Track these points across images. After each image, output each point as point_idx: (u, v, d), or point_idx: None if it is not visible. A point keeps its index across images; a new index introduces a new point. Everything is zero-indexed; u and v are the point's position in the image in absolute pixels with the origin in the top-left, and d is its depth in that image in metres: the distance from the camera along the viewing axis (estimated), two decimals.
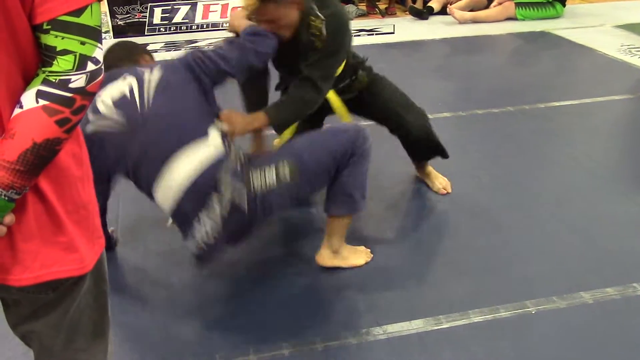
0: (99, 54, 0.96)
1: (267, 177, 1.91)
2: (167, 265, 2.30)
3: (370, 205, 2.65)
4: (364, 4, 6.36)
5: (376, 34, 5.52)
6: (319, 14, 2.25)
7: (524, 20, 5.77)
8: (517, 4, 5.82)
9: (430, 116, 3.57)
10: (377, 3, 6.25)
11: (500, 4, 5.90)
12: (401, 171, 2.94)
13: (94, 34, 0.95)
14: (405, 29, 5.68)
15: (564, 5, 5.91)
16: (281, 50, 2.25)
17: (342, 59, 2.36)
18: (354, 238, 2.40)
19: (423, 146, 2.73)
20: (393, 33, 5.53)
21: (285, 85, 2.56)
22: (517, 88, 4.10)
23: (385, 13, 6.21)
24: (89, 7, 0.94)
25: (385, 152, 2.95)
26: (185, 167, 1.87)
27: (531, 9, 5.82)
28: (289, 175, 1.92)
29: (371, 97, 2.63)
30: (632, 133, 3.48)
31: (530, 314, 1.96)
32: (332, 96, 2.52)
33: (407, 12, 6.13)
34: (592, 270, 2.18)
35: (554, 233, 2.44)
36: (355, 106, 2.65)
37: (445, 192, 2.75)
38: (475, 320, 1.94)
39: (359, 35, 5.46)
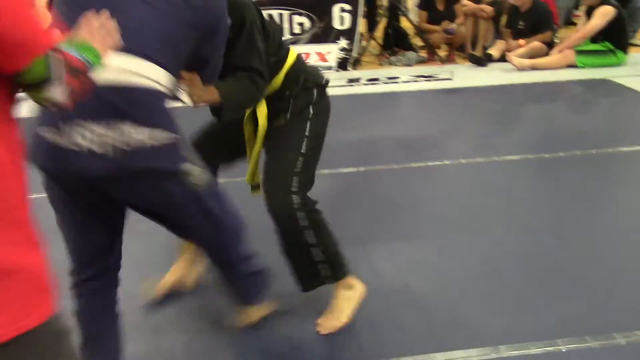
0: None
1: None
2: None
3: (413, 236, 2.78)
4: (425, 51, 6.53)
5: (434, 80, 5.65)
6: None
7: (584, 67, 5.78)
8: (578, 52, 5.84)
9: (480, 159, 3.72)
10: (436, 50, 6.40)
11: (560, 52, 5.95)
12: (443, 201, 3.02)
13: None
14: (463, 75, 5.79)
15: (626, 53, 5.89)
16: None
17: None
18: (387, 271, 2.50)
19: (283, 238, 2.12)
20: (451, 79, 5.65)
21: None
22: (571, 134, 4.13)
23: (445, 60, 6.35)
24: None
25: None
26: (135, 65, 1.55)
27: (592, 56, 5.83)
28: (201, 181, 1.68)
29: (271, 140, 2.20)
30: None
31: (561, 352, 2.00)
32: (262, 112, 2.18)
33: (467, 59, 6.25)
34: (629, 312, 2.20)
35: (595, 274, 2.46)
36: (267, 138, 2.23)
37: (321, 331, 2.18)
38: (504, 355, 1.99)
39: (417, 81, 5.62)
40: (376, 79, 5.70)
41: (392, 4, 6.46)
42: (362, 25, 6.89)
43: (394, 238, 2.83)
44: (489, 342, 2.06)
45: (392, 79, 5.72)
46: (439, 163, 3.67)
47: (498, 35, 6.52)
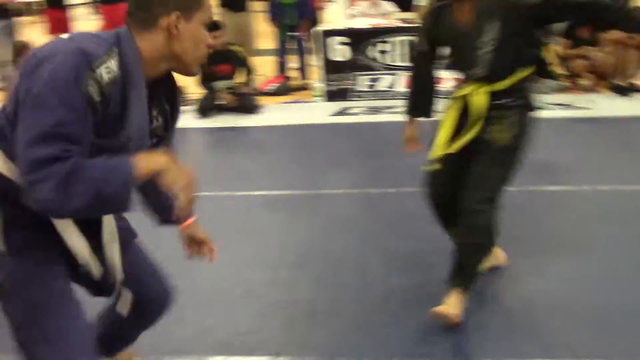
0: None
1: None
2: None
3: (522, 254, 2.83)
4: (567, 79, 6.39)
5: (572, 109, 5.55)
6: None
7: None
8: None
9: (604, 187, 3.66)
10: (579, 79, 6.25)
11: None
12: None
13: None
14: (603, 105, 5.62)
15: None
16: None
17: None
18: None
19: (464, 238, 2.39)
20: (589, 108, 5.52)
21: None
22: None
23: (588, 89, 6.18)
24: None
25: None
26: None
27: None
28: None
29: (480, 153, 2.38)
30: None
31: None
32: (480, 99, 2.35)
33: (610, 89, 6.04)
34: None
35: None
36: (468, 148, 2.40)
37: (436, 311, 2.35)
38: None
39: (553, 109, 5.54)
40: None
41: None
42: None
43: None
44: (565, 354, 2.14)
45: None
46: (556, 188, 3.69)
47: None
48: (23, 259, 1.47)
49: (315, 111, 6.03)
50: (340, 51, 6.23)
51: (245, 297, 2.69)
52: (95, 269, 1.57)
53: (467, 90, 2.40)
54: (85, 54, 1.32)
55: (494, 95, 2.35)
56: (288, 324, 2.48)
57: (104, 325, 1.84)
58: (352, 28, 6.30)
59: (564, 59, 6.30)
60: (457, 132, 2.43)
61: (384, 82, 6.24)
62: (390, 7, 6.75)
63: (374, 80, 6.25)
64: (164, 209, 1.77)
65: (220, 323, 2.49)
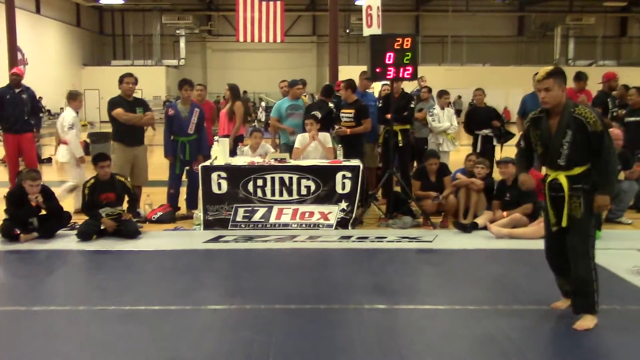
0: None
1: None
2: None
3: None
4: (421, 216, 7.26)
5: (416, 242, 6.34)
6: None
7: None
8: None
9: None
10: (430, 216, 7.12)
11: (539, 223, 6.50)
12: None
13: None
14: (445, 239, 6.44)
15: (599, 230, 6.38)
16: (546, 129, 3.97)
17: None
18: None
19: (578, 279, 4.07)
20: (431, 242, 6.32)
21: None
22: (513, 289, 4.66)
23: (437, 226, 7.03)
24: None
25: None
26: None
27: None
28: None
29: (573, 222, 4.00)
30: None
31: None
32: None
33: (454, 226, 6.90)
34: None
35: None
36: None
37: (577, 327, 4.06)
38: None
39: (400, 242, 6.31)
40: (366, 237, 6.45)
41: (390, 174, 7.36)
42: (379, 191, 7.83)
43: None
44: None
45: (380, 238, 6.45)
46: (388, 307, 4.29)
47: (489, 206, 7.20)
48: None
49: (192, 238, 6.56)
50: (219, 185, 6.89)
51: None
52: None
53: (552, 175, 4.01)
54: None
55: (571, 179, 3.90)
56: None
57: None
58: (232, 165, 7.02)
59: (416, 198, 7.20)
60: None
61: (259, 213, 6.89)
62: (269, 148, 7.59)
63: (249, 211, 6.90)
64: None
65: None
